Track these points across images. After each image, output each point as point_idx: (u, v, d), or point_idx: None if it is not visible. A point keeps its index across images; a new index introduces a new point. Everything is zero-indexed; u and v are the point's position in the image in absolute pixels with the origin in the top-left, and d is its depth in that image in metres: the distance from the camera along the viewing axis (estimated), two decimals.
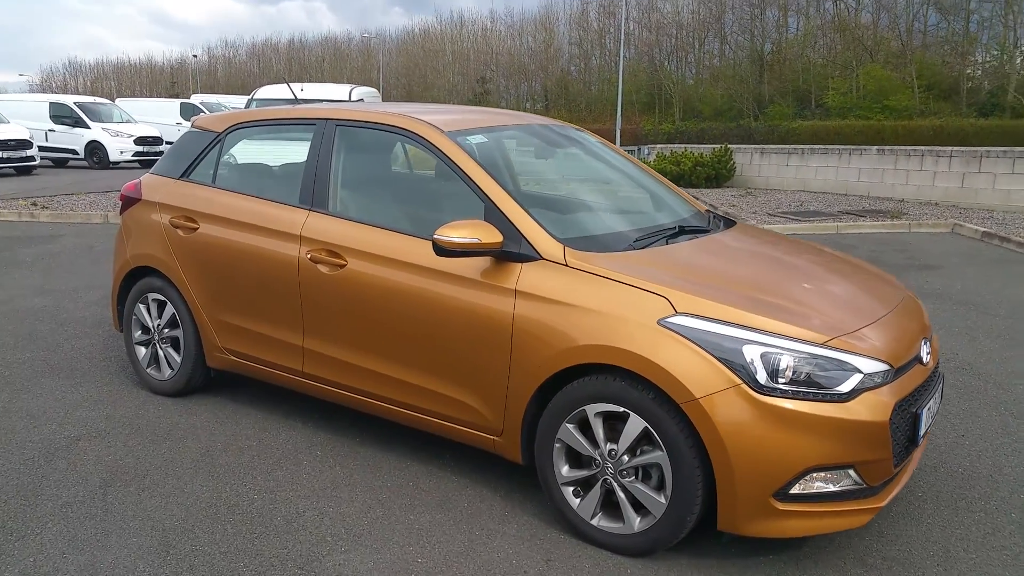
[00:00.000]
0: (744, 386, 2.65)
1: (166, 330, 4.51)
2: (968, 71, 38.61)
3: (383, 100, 33.36)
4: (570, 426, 3.01)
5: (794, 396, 2.64)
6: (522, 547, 3.00)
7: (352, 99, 13.21)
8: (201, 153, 4.46)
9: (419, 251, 3.41)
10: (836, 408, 2.64)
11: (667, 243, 3.40)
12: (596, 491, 2.98)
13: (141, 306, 4.59)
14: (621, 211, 3.78)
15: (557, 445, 3.06)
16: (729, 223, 3.93)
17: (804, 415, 2.62)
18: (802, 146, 18.07)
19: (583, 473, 3.02)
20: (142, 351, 4.65)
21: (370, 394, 3.66)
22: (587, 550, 2.98)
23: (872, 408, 2.69)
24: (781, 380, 2.65)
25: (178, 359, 4.47)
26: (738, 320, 2.76)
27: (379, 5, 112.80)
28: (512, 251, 3.17)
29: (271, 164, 4.47)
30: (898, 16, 43.31)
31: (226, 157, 4.43)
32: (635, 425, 2.83)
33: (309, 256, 3.74)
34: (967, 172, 14.21)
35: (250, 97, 13.54)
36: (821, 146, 17.84)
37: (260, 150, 4.52)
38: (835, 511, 2.73)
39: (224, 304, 4.17)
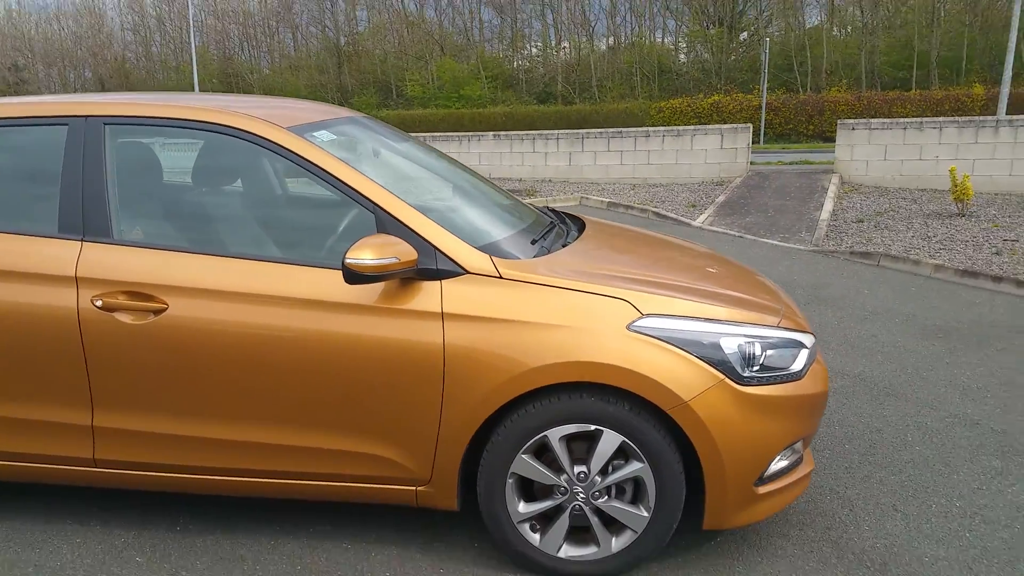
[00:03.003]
0: (727, 381, 2.59)
1: None
2: (524, 64, 43.33)
3: None
4: (526, 457, 2.67)
5: (764, 382, 2.65)
6: None
7: None
8: None
9: (288, 280, 2.73)
10: (795, 387, 2.72)
11: (563, 246, 3.17)
12: (563, 521, 2.70)
13: None
14: (490, 213, 3.39)
15: (510, 480, 2.70)
16: (572, 218, 3.80)
17: (775, 399, 2.66)
18: (421, 134, 18.68)
19: (544, 505, 2.72)
20: None
21: (217, 469, 2.87)
22: None
23: (818, 380, 2.83)
24: (755, 368, 2.65)
25: None
26: (706, 315, 2.68)
27: None
28: (429, 267, 2.69)
29: None
30: (458, 12, 46.88)
31: None
32: (610, 442, 2.61)
33: (99, 303, 2.78)
34: (572, 151, 15.95)
35: None
36: (443, 133, 18.64)
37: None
38: (789, 484, 2.82)
39: None
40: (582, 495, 2.68)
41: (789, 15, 35.37)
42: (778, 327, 2.77)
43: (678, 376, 2.55)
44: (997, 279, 6.65)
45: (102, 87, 57.38)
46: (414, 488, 2.79)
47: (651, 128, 15.55)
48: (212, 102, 3.15)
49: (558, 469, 2.68)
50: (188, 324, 2.75)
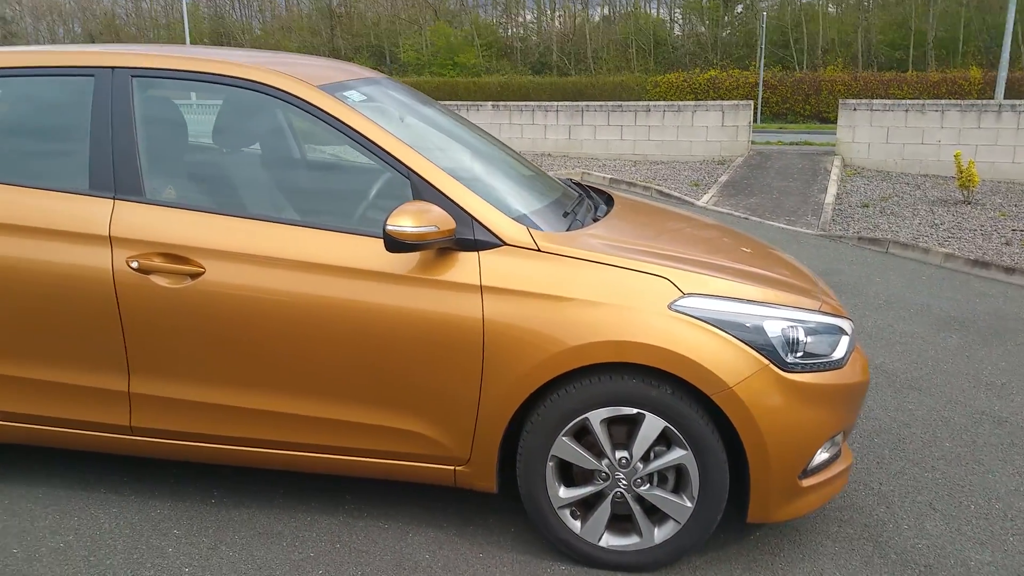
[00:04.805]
0: (772, 366, 2.54)
1: None
2: (518, 32, 42.88)
3: None
4: (566, 439, 2.64)
5: (806, 369, 2.61)
6: None
7: None
8: None
9: (324, 247, 2.67)
10: (838, 375, 2.68)
11: (594, 220, 3.10)
12: (604, 507, 2.68)
13: None
14: (519, 184, 3.30)
15: (551, 463, 2.67)
16: (598, 192, 3.74)
17: (819, 387, 2.62)
18: None
19: (586, 490, 2.68)
20: None
21: (253, 441, 2.83)
22: None
23: (859, 368, 2.79)
24: (798, 354, 2.61)
25: None
26: (748, 296, 2.62)
27: None
28: (466, 238, 2.63)
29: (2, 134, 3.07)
30: None
31: None
32: (652, 426, 2.58)
33: (135, 265, 2.70)
34: (572, 125, 15.80)
35: None
36: (440, 102, 18.31)
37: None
38: (831, 477, 2.80)
39: None
40: (624, 482, 2.64)
41: None
42: (819, 311, 2.72)
43: (722, 360, 2.51)
44: (1009, 270, 6.65)
45: (92, 42, 56.31)
46: (453, 468, 2.76)
47: (651, 103, 15.40)
48: (241, 57, 3.05)
49: (599, 453, 2.65)
50: (225, 289, 2.69)
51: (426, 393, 2.67)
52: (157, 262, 2.70)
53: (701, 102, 15.22)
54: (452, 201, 2.64)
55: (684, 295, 2.56)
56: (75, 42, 48.33)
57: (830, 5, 34.41)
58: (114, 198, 2.77)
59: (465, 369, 2.62)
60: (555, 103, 16.33)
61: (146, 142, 2.84)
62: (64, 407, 2.88)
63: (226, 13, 52.42)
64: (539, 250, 2.62)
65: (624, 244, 2.80)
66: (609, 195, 3.64)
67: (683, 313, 2.54)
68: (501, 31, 43.65)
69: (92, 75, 2.87)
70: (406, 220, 2.47)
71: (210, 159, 3.23)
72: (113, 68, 2.87)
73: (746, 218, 9.31)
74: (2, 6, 59.97)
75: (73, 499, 3.03)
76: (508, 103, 17.08)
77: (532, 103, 16.74)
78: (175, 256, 2.70)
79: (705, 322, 2.53)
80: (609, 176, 12.56)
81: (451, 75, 37.32)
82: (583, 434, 2.65)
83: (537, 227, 2.71)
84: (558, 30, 40.82)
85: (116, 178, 2.78)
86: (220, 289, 2.69)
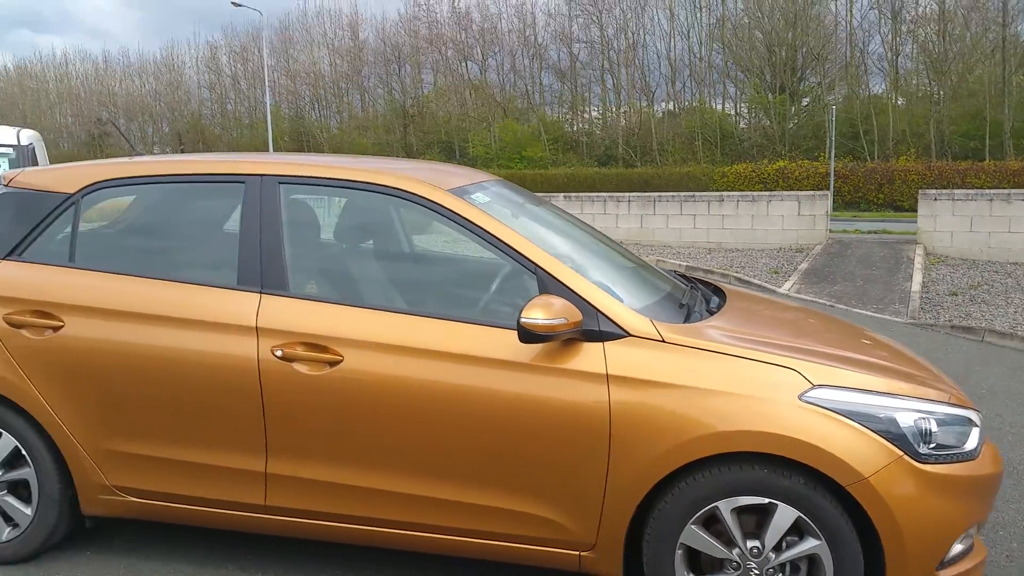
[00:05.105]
0: (906, 457, 2.54)
1: (0, 472, 3.17)
2: (584, 127, 43.95)
3: None
4: (695, 527, 2.65)
5: (940, 460, 2.60)
6: None
7: (21, 142, 10.91)
8: (41, 223, 3.24)
9: (453, 337, 2.80)
10: (972, 466, 2.65)
11: (709, 312, 3.19)
12: None
13: None
14: (633, 277, 3.44)
15: (679, 551, 2.68)
16: (704, 283, 3.83)
17: (954, 478, 2.60)
18: None
19: None
20: None
21: (382, 521, 2.91)
22: None
23: (992, 460, 2.76)
24: (931, 446, 2.60)
25: (27, 512, 3.17)
26: (877, 387, 2.65)
27: None
28: (592, 329, 2.73)
29: (159, 234, 3.36)
30: (520, 76, 47.94)
31: (87, 227, 3.27)
32: (785, 516, 2.58)
33: (279, 353, 2.88)
34: (644, 214, 16.01)
35: None
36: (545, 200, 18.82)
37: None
38: (967, 570, 2.73)
39: (116, 428, 3.05)
40: (756, 571, 2.63)
41: (852, 83, 35.30)
42: (948, 403, 2.72)
43: (856, 450, 2.52)
44: None
45: (179, 141, 59.74)
46: (577, 553, 2.78)
47: (725, 193, 15.57)
48: (368, 164, 3.29)
49: (728, 541, 2.65)
50: (361, 376, 2.83)
51: (552, 478, 2.73)
52: (299, 351, 2.87)
53: (776, 192, 15.31)
54: (577, 295, 2.76)
55: (814, 386, 2.60)
56: (163, 141, 50.91)
57: (899, 98, 34.41)
58: (260, 292, 2.97)
59: (591, 455, 2.68)
60: (627, 194, 16.62)
61: (290, 242, 3.06)
62: (204, 486, 3.02)
63: (305, 113, 55.22)
64: (663, 341, 2.71)
65: (746, 336, 2.87)
66: (716, 286, 3.73)
67: (814, 404, 2.57)
68: (567, 126, 44.83)
69: (243, 182, 3.13)
70: (538, 313, 2.60)
71: (344, 256, 3.45)
72: (262, 176, 3.12)
73: (831, 306, 9.21)
74: (99, 108, 64.44)
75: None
76: (580, 194, 17.45)
77: (604, 194, 17.06)
78: (316, 345, 2.87)
79: (837, 413, 2.56)
80: (685, 263, 12.62)
81: (518, 167, 38.28)
82: (712, 522, 2.66)
83: (659, 319, 2.80)
84: (623, 124, 41.73)
85: (263, 274, 2.99)
86: (357, 376, 2.83)
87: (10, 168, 10.67)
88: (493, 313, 3.06)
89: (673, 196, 15.87)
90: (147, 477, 3.06)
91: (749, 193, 15.07)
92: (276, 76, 57.90)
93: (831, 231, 15.13)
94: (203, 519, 3.09)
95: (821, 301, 9.49)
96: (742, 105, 38.99)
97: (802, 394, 2.59)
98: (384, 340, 2.84)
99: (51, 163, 11.77)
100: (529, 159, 40.05)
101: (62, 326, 3.05)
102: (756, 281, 10.94)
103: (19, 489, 3.20)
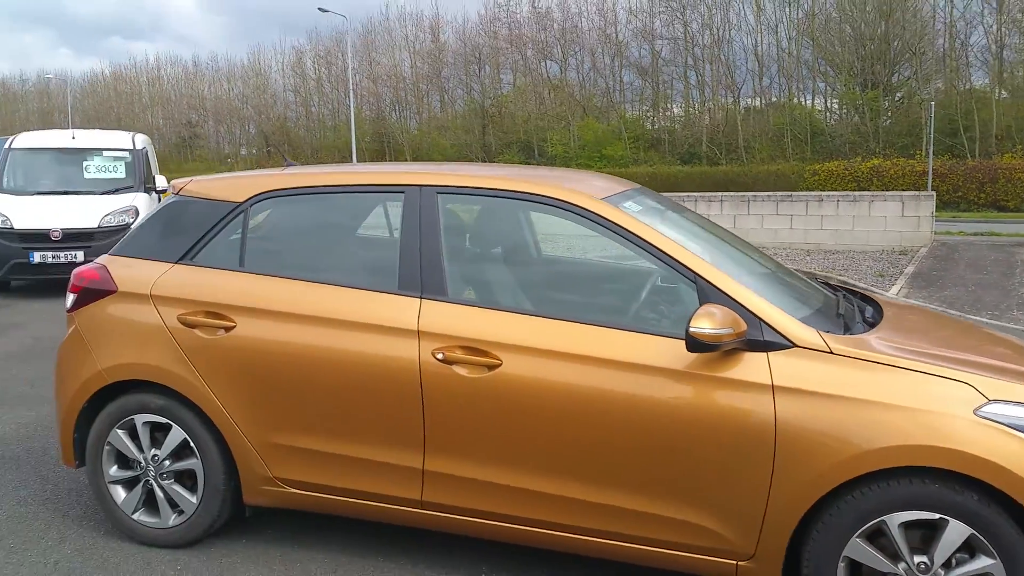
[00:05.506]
0: None
1: (168, 462, 3.37)
2: (666, 125, 43.41)
3: None
4: (860, 541, 2.62)
5: None
6: None
7: (136, 146, 11.48)
8: (212, 230, 3.41)
9: (611, 344, 2.84)
10: None
11: (868, 324, 3.14)
12: None
13: (120, 432, 3.40)
14: (787, 286, 3.37)
15: (842, 564, 2.65)
16: (853, 292, 3.76)
17: None
18: None
19: None
20: (121, 493, 3.44)
21: (536, 522, 2.96)
22: None
23: None
24: None
25: (192, 499, 3.35)
26: None
27: (42, 47, 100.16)
28: (756, 339, 2.74)
29: (322, 240, 3.52)
30: (600, 74, 47.70)
31: (256, 234, 3.43)
32: (957, 532, 2.52)
33: (440, 356, 2.97)
34: (737, 214, 15.75)
35: (7, 147, 11.14)
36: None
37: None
38: None
39: (281, 423, 3.20)
40: None
41: (951, 77, 33.89)
42: None
43: None
44: None
45: (266, 143, 61.67)
46: (735, 563, 2.78)
47: (824, 192, 15.19)
48: (526, 173, 3.36)
49: (894, 556, 2.60)
50: (520, 381, 2.89)
51: (713, 487, 2.73)
52: (459, 354, 2.95)
53: (879, 192, 14.90)
54: (740, 304, 2.76)
55: (989, 401, 2.55)
56: (251, 143, 52.45)
57: (1002, 91, 32.84)
58: (421, 297, 3.07)
59: (755, 466, 2.67)
60: (719, 193, 16.40)
61: (448, 249, 3.16)
62: (363, 480, 3.14)
63: (386, 115, 56.23)
64: (831, 352, 2.69)
65: (913, 348, 2.82)
66: (863, 295, 3.68)
67: (990, 419, 2.51)
68: (648, 124, 44.40)
69: (403, 191, 3.24)
70: (705, 323, 2.61)
71: (499, 264, 3.53)
72: (421, 186, 3.22)
73: (944, 311, 8.89)
74: (189, 112, 67.02)
75: (357, 568, 3.25)
76: (668, 193, 17.23)
77: (694, 193, 16.86)
78: (476, 349, 2.94)
79: (1014, 429, 2.50)
80: (790, 267, 12.37)
81: (598, 166, 38.08)
82: (877, 536, 2.62)
83: (824, 330, 2.78)
84: (708, 121, 41.08)
85: (423, 280, 3.09)
86: (516, 380, 2.89)
87: (127, 170, 11.23)
88: (646, 320, 3.11)
89: (769, 196, 15.57)
90: (309, 470, 3.20)
91: (850, 193, 14.67)
92: (359, 79, 59.19)
93: (935, 232, 14.61)
94: (360, 511, 3.21)
95: (933, 307, 9.18)
96: (832, 101, 37.90)
97: (977, 409, 2.53)
98: (543, 346, 2.89)
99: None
100: (609, 158, 39.80)
101: (234, 326, 3.22)
102: (861, 285, 10.64)
103: (184, 478, 3.40)
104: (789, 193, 15.37)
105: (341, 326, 3.11)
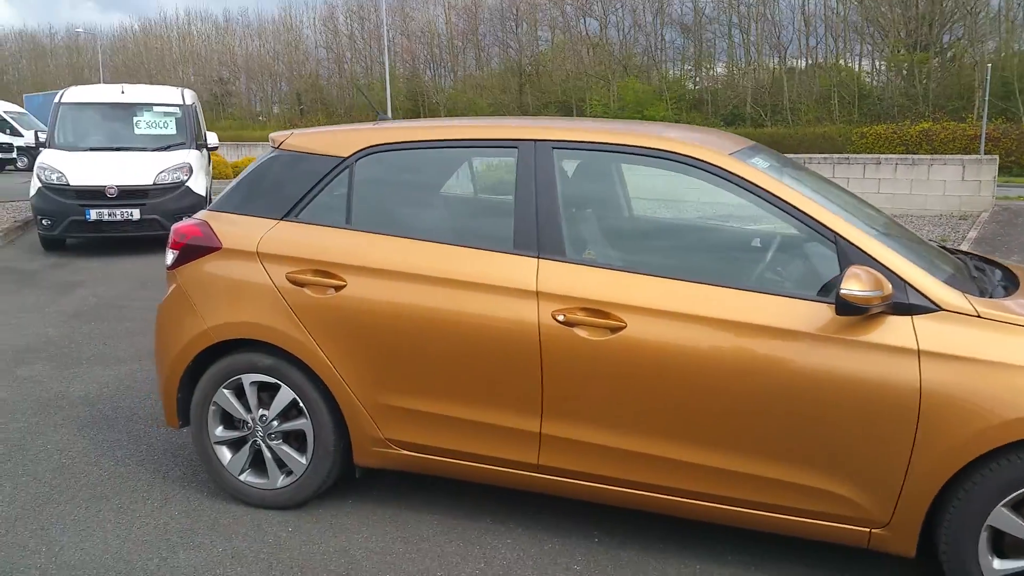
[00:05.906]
0: None
1: (277, 422, 3.35)
2: (710, 85, 42.63)
3: None
4: (1006, 510, 2.54)
5: None
6: None
7: (186, 101, 11.40)
8: (316, 185, 3.35)
9: (743, 308, 2.75)
10: None
11: (1004, 287, 3.02)
12: None
13: (227, 393, 3.38)
14: (919, 249, 3.21)
15: (985, 533, 2.57)
16: (970, 255, 3.62)
17: None
18: None
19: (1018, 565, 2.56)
20: (227, 454, 3.44)
21: (656, 487, 2.91)
22: None
23: None
24: None
25: (302, 460, 3.33)
26: None
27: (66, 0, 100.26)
28: (901, 302, 2.63)
29: (431, 197, 3.44)
30: (641, 31, 46.79)
31: (362, 190, 3.36)
32: None
33: (561, 318, 2.90)
34: None
35: (57, 101, 11.10)
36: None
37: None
38: None
39: (394, 384, 3.16)
40: None
41: (1007, 37, 32.78)
42: None
43: None
44: None
45: (298, 101, 61.59)
46: (868, 530, 2.71)
47: (882, 155, 14.81)
48: (646, 129, 3.24)
49: None
50: (645, 344, 2.81)
51: (851, 454, 2.65)
52: (581, 316, 2.88)
53: (938, 156, 14.48)
54: (884, 266, 2.65)
55: None
56: (283, 100, 52.15)
57: None
58: (538, 257, 2.99)
59: (896, 433, 2.59)
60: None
61: (565, 207, 3.07)
62: (477, 443, 3.09)
63: (421, 72, 55.78)
64: (979, 316, 2.58)
65: None
66: (984, 258, 3.54)
67: None
68: (690, 84, 43.60)
69: (516, 147, 3.14)
70: (855, 285, 2.51)
71: (621, 223, 3.44)
72: (536, 141, 3.11)
73: None
74: (220, 68, 66.95)
75: (472, 529, 3.24)
76: None
77: None
78: (598, 311, 2.86)
79: None
80: None
81: None
82: (1020, 505, 2.55)
83: (969, 292, 2.67)
84: (753, 82, 40.23)
85: (540, 239, 3.01)
86: (640, 343, 2.81)
87: (177, 126, 11.17)
88: (775, 283, 3.00)
89: (825, 158, 15.21)
90: (421, 432, 3.17)
91: (908, 156, 14.30)
92: (392, 35, 58.65)
93: (995, 197, 14.22)
94: (472, 474, 3.18)
95: None
96: (880, 63, 36.89)
97: None
98: (670, 308, 2.80)
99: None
100: (651, 118, 39.20)
101: (344, 285, 3.17)
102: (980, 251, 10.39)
103: (292, 439, 3.38)
104: (846, 156, 15.04)
105: (455, 286, 3.04)
